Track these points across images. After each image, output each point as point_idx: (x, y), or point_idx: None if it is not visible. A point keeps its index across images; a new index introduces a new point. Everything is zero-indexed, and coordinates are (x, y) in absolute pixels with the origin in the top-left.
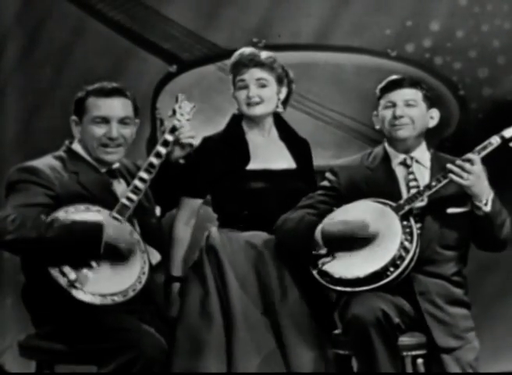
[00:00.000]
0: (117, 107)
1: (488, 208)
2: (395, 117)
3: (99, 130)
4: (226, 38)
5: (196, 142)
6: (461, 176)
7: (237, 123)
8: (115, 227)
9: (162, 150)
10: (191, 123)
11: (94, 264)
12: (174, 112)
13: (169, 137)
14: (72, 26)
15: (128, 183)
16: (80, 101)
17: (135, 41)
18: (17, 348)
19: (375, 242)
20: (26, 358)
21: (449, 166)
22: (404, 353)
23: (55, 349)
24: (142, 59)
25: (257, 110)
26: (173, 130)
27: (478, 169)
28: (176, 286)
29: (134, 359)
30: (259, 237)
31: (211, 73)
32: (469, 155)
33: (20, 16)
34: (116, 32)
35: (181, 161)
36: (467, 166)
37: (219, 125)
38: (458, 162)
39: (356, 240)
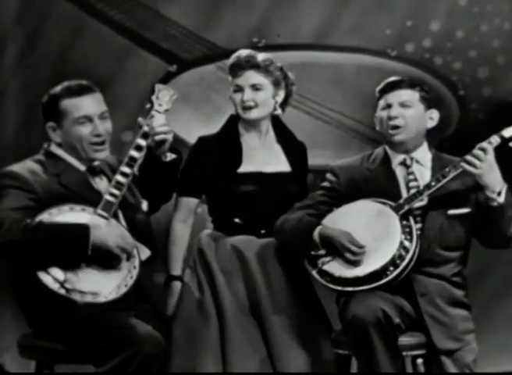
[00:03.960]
0: (94, 103)
1: (501, 199)
2: (390, 118)
3: (85, 130)
4: (226, 38)
5: (170, 136)
6: (474, 165)
7: (233, 124)
8: (103, 229)
9: (142, 142)
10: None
11: (82, 264)
12: (151, 103)
13: (148, 129)
14: (72, 25)
15: (110, 179)
16: (52, 106)
17: (135, 41)
18: (17, 348)
19: (375, 239)
20: (26, 358)
21: (464, 157)
22: (404, 353)
23: (54, 349)
24: (142, 59)
25: (252, 114)
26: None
27: (491, 158)
28: (177, 285)
29: (132, 356)
30: (246, 241)
31: (211, 72)
32: (482, 144)
33: (20, 16)
34: (116, 32)
35: (166, 158)
36: (480, 154)
37: (219, 125)
38: (473, 151)
39: (347, 251)
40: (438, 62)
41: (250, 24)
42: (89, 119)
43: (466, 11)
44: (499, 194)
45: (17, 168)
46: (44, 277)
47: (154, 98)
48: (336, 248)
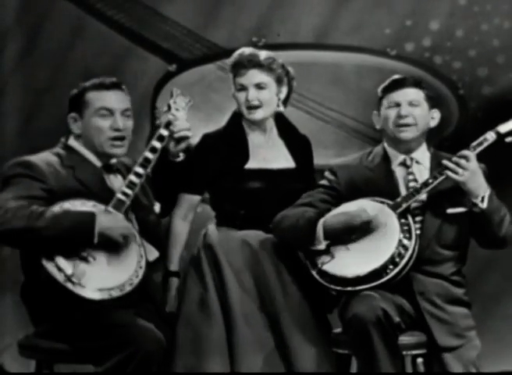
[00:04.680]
0: (119, 99)
1: (484, 205)
2: (400, 116)
3: (104, 123)
4: (226, 37)
5: (191, 134)
6: (456, 173)
7: (238, 120)
8: (109, 216)
9: (157, 145)
10: (190, 120)
11: (90, 259)
12: (169, 107)
13: (164, 132)
14: (72, 25)
15: (124, 179)
16: (78, 97)
17: (134, 40)
18: (17, 348)
19: (374, 238)
20: (26, 357)
21: (444, 162)
22: (404, 352)
23: (54, 348)
24: (141, 58)
25: (257, 115)
26: (168, 124)
27: (474, 165)
28: (175, 281)
29: (132, 354)
30: (255, 235)
31: (210, 72)
32: (464, 152)
33: (20, 15)
34: (115, 31)
35: (178, 159)
36: (462, 162)
37: (219, 124)
38: (454, 158)
39: (356, 229)
40: (438, 61)
41: (250, 24)
42: (110, 111)
43: (466, 10)
44: (482, 200)
45: (33, 158)
46: (50, 268)
47: (171, 102)
48: (339, 235)
